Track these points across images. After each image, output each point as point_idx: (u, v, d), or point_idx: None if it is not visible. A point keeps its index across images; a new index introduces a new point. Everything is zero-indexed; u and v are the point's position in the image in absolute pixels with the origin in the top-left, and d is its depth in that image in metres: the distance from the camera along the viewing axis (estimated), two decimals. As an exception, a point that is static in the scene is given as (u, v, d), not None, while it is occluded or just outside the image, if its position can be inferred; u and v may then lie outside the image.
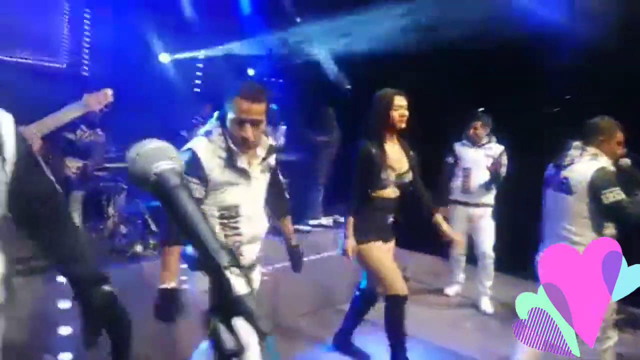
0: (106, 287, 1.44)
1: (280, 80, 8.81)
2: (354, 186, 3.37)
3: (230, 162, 2.28)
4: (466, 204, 5.01)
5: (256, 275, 2.57)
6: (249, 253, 2.42)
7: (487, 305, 5.03)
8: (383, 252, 3.42)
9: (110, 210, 4.91)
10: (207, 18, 7.43)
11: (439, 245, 5.19)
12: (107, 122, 5.33)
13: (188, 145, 2.29)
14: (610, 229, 3.10)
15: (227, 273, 0.88)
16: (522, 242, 5.75)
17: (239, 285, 0.87)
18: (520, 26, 5.35)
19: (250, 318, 0.85)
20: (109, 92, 2.96)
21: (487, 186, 4.92)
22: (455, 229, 4.83)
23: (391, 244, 3.55)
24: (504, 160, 4.88)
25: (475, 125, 4.98)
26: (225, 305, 0.87)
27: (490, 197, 5.00)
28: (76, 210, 4.94)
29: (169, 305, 2.20)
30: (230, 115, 2.24)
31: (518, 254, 5.47)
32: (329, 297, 4.84)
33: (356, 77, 8.03)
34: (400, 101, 3.28)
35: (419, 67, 6.28)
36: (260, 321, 0.85)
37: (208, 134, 2.31)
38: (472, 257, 5.14)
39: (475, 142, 5.01)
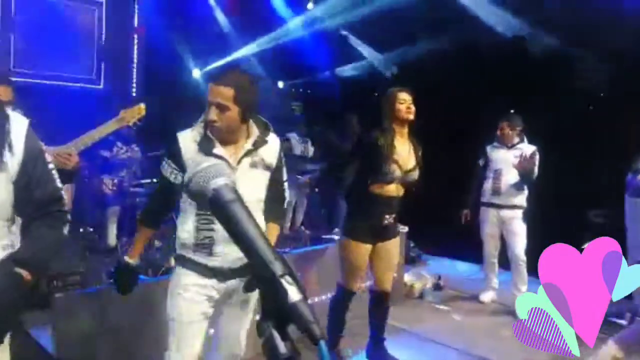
0: (18, 269, 1.51)
1: (309, 91, 8.97)
2: (354, 175, 3.39)
3: (204, 147, 2.21)
4: (497, 205, 4.99)
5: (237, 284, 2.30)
6: (226, 255, 2.22)
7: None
8: (362, 254, 3.39)
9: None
10: (238, 28, 7.63)
11: (472, 251, 5.50)
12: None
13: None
14: None
15: (282, 281, 0.90)
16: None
17: (292, 292, 0.90)
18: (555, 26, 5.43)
19: (303, 324, 0.87)
20: (143, 106, 3.06)
21: (517, 187, 4.89)
22: (487, 231, 5.09)
23: (387, 244, 3.48)
24: (536, 160, 4.80)
25: (502, 126, 4.99)
26: (279, 312, 0.90)
27: (521, 199, 4.96)
28: (112, 226, 5.17)
29: (125, 276, 2.40)
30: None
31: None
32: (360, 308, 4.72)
33: (386, 83, 8.03)
34: (404, 96, 3.35)
35: (451, 70, 6.39)
36: (313, 326, 0.87)
37: (195, 122, 2.30)
38: (507, 263, 5.09)
39: (505, 144, 5.01)
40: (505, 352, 4.02)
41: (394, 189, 3.35)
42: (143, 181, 5.10)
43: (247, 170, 2.29)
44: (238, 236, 0.99)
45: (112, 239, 5.15)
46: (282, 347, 0.90)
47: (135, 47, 7.16)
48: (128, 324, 3.09)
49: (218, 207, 1.03)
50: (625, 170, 3.50)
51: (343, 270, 3.50)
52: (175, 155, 2.23)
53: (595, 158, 5.65)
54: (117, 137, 5.35)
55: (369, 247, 3.40)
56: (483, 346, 4.14)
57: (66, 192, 3.42)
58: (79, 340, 2.89)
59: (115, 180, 5.21)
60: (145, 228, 2.45)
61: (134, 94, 7.02)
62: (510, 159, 4.86)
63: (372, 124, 3.45)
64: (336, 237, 4.96)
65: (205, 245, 2.23)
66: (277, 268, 0.92)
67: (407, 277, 5.33)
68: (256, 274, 0.96)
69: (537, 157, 4.83)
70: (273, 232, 2.53)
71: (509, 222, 4.96)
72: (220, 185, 1.04)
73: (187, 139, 2.25)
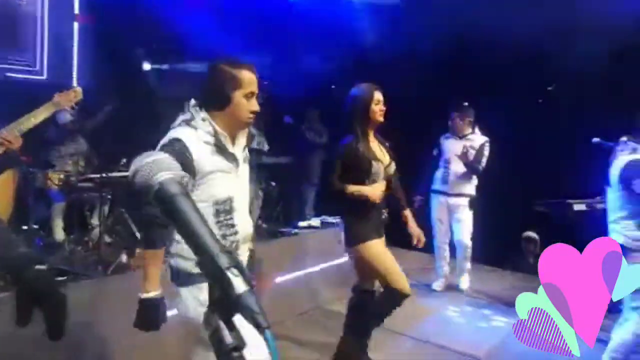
0: (39, 267, 1.44)
1: (265, 82, 8.88)
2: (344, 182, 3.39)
3: (218, 146, 2.20)
4: (445, 193, 5.38)
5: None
6: (243, 255, 2.30)
7: (464, 282, 5.50)
8: (385, 249, 3.47)
9: (94, 221, 4.96)
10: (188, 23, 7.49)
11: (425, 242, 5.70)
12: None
13: (170, 136, 2.17)
14: None
15: (228, 274, 0.95)
16: (507, 235, 6.41)
17: (238, 284, 0.94)
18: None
19: (249, 314, 0.92)
20: (79, 89, 3.09)
21: (465, 176, 5.27)
22: (436, 215, 5.52)
23: (383, 240, 3.58)
24: (485, 151, 5.18)
25: (453, 116, 5.34)
26: (226, 303, 0.95)
27: (469, 188, 5.34)
28: (58, 222, 5.02)
29: (153, 314, 2.15)
30: (237, 92, 2.19)
31: (503, 246, 6.32)
32: (316, 297, 4.97)
33: (339, 77, 7.92)
34: (379, 95, 3.39)
35: (406, 64, 6.60)
36: (259, 316, 0.92)
37: (189, 121, 2.21)
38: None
39: (456, 134, 5.35)
40: (457, 339, 4.32)
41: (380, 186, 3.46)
42: (92, 176, 4.92)
43: (243, 165, 2.35)
44: (185, 230, 1.03)
45: (59, 236, 5.01)
46: (228, 337, 0.95)
47: (76, 36, 6.93)
48: (80, 324, 3.06)
49: (164, 201, 1.06)
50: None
51: (384, 275, 3.43)
52: (183, 158, 2.06)
53: (543, 150, 6.18)
54: (63, 131, 5.30)
55: (380, 241, 3.50)
56: (436, 333, 4.40)
57: (9, 180, 3.38)
58: (24, 342, 2.81)
59: (62, 176, 5.04)
60: (155, 250, 2.18)
61: (75, 85, 6.82)
62: (459, 149, 5.22)
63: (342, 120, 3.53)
64: (295, 231, 5.34)
65: (233, 250, 2.22)
66: (224, 261, 0.97)
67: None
68: (203, 267, 1.00)
69: (487, 148, 5.23)
70: None
71: (455, 209, 5.38)
72: (167, 179, 1.06)
73: (192, 139, 2.16)
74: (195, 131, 2.17)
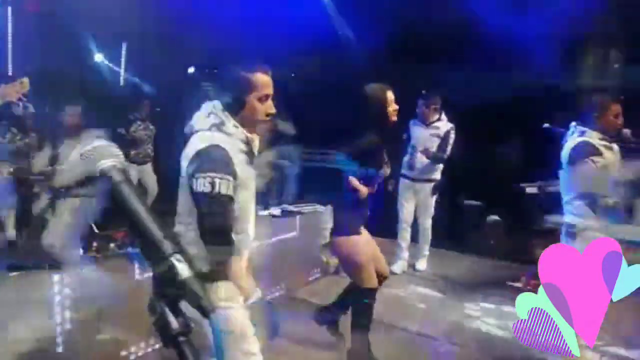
0: None
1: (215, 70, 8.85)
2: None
3: (249, 153, 2.26)
4: (411, 178, 5.75)
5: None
6: (243, 258, 2.33)
7: (422, 264, 5.95)
8: (367, 243, 3.61)
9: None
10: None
11: (385, 227, 5.93)
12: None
13: (205, 141, 2.16)
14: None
15: (172, 259, 1.01)
16: (466, 219, 6.86)
17: (182, 270, 1.00)
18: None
19: (194, 299, 0.98)
20: (26, 80, 3.17)
21: (429, 165, 5.63)
22: (402, 198, 5.89)
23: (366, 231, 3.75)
24: (450, 139, 5.54)
25: (419, 104, 5.63)
26: (170, 289, 1.00)
27: (434, 173, 5.72)
28: (10, 218, 4.97)
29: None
30: (251, 95, 2.24)
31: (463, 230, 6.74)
32: (280, 285, 5.09)
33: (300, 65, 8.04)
34: (391, 95, 3.46)
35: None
36: (203, 301, 0.98)
37: (220, 126, 2.22)
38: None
39: (423, 121, 5.64)
40: (415, 320, 4.60)
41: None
42: (44, 169, 4.80)
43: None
44: (129, 217, 1.08)
45: (10, 232, 4.98)
46: (174, 323, 0.98)
47: (9, 21, 6.90)
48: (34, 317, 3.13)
49: (106, 189, 1.10)
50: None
51: (358, 270, 3.59)
52: (227, 166, 2.14)
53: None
54: (12, 124, 5.09)
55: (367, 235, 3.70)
56: (394, 315, 4.62)
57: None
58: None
59: (11, 169, 4.96)
60: (234, 257, 2.21)
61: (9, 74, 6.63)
62: (426, 137, 5.58)
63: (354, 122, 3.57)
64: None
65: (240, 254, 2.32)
66: (167, 247, 1.03)
67: (323, 254, 5.63)
68: (147, 253, 1.05)
69: (453, 135, 5.57)
70: None
71: (420, 193, 5.78)
72: (109, 167, 1.11)
73: (230, 148, 2.19)
74: (229, 138, 2.21)
